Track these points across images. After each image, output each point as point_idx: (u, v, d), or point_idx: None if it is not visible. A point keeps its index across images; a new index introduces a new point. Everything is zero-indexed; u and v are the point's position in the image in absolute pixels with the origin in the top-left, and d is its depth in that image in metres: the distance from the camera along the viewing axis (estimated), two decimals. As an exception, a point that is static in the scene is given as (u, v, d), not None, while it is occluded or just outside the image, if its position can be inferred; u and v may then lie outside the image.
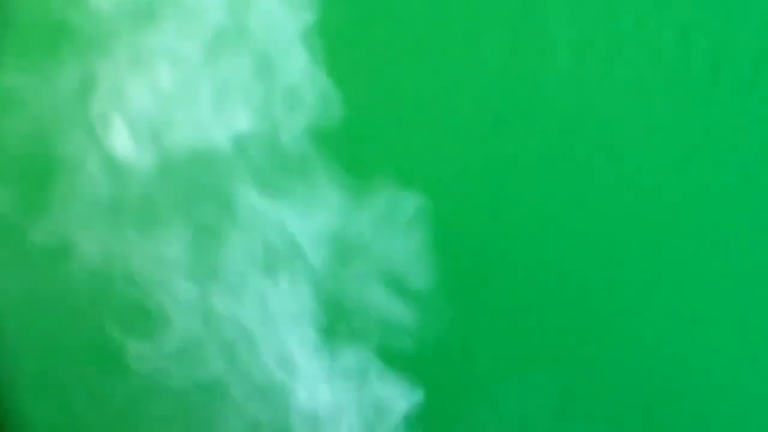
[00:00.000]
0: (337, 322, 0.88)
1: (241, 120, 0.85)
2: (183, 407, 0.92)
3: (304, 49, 0.83)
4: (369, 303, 0.86)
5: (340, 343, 0.87)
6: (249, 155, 0.85)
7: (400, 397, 0.87)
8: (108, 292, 0.91)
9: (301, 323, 0.88)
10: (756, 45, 0.79)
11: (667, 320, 0.85)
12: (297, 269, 0.87)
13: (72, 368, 0.97)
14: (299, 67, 0.84)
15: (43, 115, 0.88)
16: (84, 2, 0.86)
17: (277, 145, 0.85)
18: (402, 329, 0.86)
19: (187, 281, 0.89)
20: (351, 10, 0.85)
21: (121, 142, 0.86)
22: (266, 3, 0.84)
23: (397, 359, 0.87)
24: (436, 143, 0.86)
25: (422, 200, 0.85)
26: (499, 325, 0.88)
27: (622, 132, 0.83)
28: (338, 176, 0.85)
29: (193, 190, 0.87)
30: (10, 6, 0.90)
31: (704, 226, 0.83)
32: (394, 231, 0.85)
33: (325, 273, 0.87)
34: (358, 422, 0.88)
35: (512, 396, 0.88)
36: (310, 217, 0.86)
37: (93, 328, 0.93)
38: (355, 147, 0.86)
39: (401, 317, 0.86)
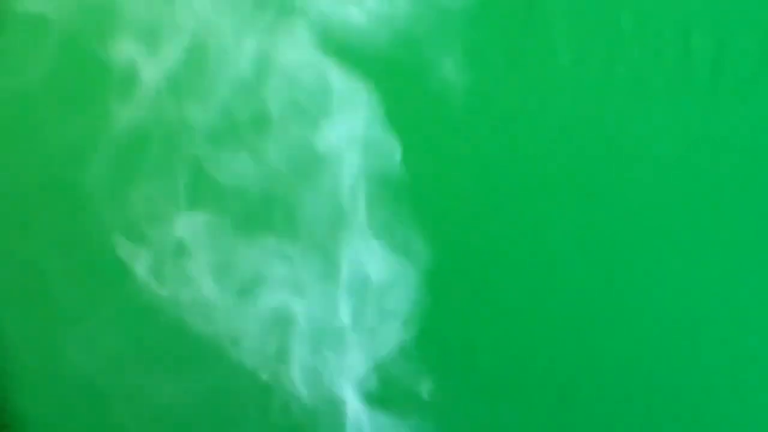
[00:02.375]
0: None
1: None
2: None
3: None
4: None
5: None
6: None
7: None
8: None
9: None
10: (757, 44, 0.78)
11: (668, 320, 0.84)
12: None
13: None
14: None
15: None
16: None
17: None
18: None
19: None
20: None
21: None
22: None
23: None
24: (433, 142, 0.86)
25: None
26: (499, 324, 0.88)
27: (623, 132, 0.82)
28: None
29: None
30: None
31: (705, 225, 0.83)
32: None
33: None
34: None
35: (511, 394, 0.88)
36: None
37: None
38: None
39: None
